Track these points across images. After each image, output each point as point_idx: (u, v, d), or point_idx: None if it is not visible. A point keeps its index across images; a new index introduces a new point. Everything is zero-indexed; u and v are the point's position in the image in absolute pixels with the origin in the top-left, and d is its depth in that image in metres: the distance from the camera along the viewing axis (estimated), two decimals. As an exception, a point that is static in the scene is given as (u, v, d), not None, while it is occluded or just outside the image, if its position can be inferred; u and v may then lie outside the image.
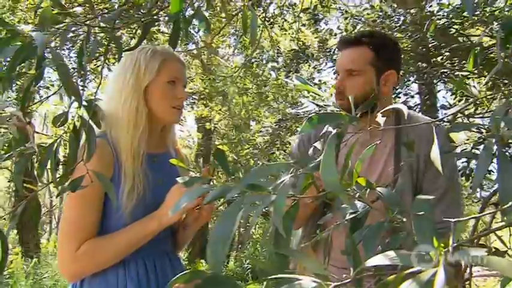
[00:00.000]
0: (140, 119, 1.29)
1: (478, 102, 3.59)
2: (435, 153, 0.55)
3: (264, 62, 7.97)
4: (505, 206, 0.53)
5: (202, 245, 9.58)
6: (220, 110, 8.77)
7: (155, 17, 1.19)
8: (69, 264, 1.24)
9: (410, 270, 0.39)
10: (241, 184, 0.64)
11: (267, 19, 6.36)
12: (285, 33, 7.03)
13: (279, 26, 6.90)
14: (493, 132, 0.74)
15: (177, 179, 0.72)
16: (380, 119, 0.63)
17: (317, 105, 0.66)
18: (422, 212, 0.54)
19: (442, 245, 0.41)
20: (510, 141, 0.78)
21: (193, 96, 8.79)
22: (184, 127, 11.11)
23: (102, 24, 1.24)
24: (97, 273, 1.26)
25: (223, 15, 6.59)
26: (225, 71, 8.94)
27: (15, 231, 8.38)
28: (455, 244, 0.57)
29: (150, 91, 1.32)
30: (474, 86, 0.69)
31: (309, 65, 5.64)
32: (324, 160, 0.57)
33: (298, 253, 0.60)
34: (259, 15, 6.17)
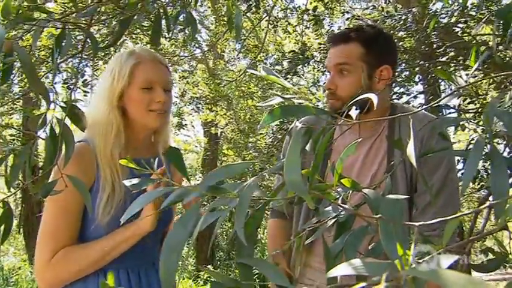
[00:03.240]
0: (110, 128, 1.24)
1: (485, 102, 3.50)
2: (410, 150, 0.49)
3: (269, 65, 7.92)
4: (486, 205, 0.47)
5: (210, 251, 9.51)
6: (225, 114, 8.72)
7: (133, 13, 1.14)
8: (43, 272, 1.18)
9: (359, 286, 0.33)
10: (201, 187, 0.58)
11: (270, 22, 6.31)
12: (289, 36, 6.98)
13: (282, 29, 6.85)
14: (486, 127, 0.67)
15: (124, 181, 0.66)
16: (353, 112, 0.57)
17: (283, 97, 0.60)
18: (393, 215, 0.47)
19: (408, 253, 0.34)
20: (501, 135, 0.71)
21: (199, 101, 8.76)
22: (190, 132, 11.09)
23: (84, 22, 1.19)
24: (76, 282, 1.20)
25: (226, 18, 6.55)
26: (230, 75, 8.90)
27: (22, 237, 8.40)
28: (438, 251, 0.50)
29: (125, 98, 1.27)
30: (460, 76, 0.62)
31: (314, 67, 5.57)
32: (287, 158, 0.50)
33: (262, 262, 0.54)
34: (263, 19, 6.13)
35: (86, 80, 5.89)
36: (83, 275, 1.20)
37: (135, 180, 0.62)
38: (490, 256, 0.87)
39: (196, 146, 12.31)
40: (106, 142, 1.23)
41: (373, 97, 0.55)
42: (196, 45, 8.13)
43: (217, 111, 8.61)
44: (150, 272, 1.31)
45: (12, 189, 1.11)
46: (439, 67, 3.20)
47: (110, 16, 1.26)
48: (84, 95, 5.73)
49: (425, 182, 1.15)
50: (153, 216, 1.15)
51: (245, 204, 0.54)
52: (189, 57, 8.05)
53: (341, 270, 0.43)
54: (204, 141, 11.00)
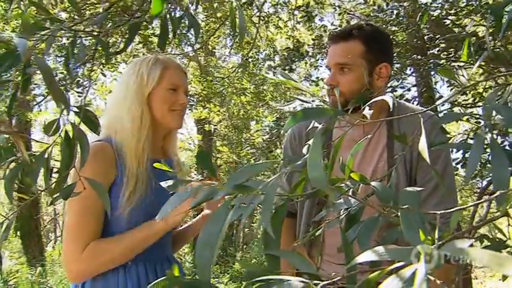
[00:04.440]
0: (144, 125, 1.33)
1: (476, 92, 3.57)
2: (422, 145, 0.54)
3: (261, 61, 7.95)
4: (495, 195, 0.52)
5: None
6: (219, 111, 8.75)
7: (142, 19, 1.18)
8: (74, 264, 1.25)
9: (394, 266, 0.38)
10: (227, 186, 0.62)
11: (261, 18, 6.34)
12: (280, 32, 7.01)
13: (273, 25, 6.88)
14: (485, 121, 0.73)
15: (161, 183, 0.71)
16: (367, 112, 0.62)
17: (302, 100, 0.65)
18: (410, 205, 0.53)
19: (430, 238, 0.39)
20: (504, 129, 0.77)
21: (192, 98, 8.78)
22: (184, 129, 11.11)
23: (90, 28, 1.23)
24: (97, 276, 1.27)
25: (218, 15, 6.57)
26: (222, 71, 8.92)
27: (19, 240, 8.39)
28: (447, 238, 0.56)
29: (153, 98, 1.37)
30: (462, 75, 0.68)
31: (306, 63, 5.62)
32: (310, 156, 0.55)
33: (289, 253, 0.59)
34: (254, 15, 6.16)
35: (79, 80, 5.89)
36: (111, 267, 1.27)
37: (170, 182, 0.67)
38: (485, 243, 0.93)
39: (190, 144, 12.33)
40: (138, 140, 1.32)
41: (388, 99, 0.60)
42: (188, 42, 8.13)
43: (210, 109, 8.64)
44: (164, 265, 1.38)
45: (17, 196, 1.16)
46: (431, 60, 3.26)
47: (115, 24, 1.29)
48: (79, 96, 5.74)
49: (435, 171, 1.22)
50: (181, 216, 1.23)
51: (270, 200, 0.59)
52: (181, 55, 8.05)
53: (366, 256, 0.47)
54: (198, 138, 11.02)
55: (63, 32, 1.08)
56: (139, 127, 1.33)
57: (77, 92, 5.79)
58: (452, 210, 0.54)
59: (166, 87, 1.37)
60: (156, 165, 0.72)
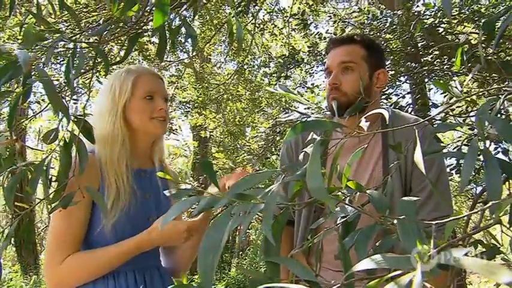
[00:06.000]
0: (117, 138, 1.33)
1: (469, 100, 3.61)
2: (418, 155, 0.55)
3: (256, 67, 8.00)
4: (489, 204, 0.54)
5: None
6: (214, 117, 8.77)
7: (141, 30, 1.19)
8: (52, 276, 1.26)
9: (393, 274, 0.39)
10: (229, 194, 0.64)
11: (257, 25, 6.38)
12: (276, 39, 7.06)
13: (269, 32, 6.93)
14: (479, 131, 0.75)
15: (165, 192, 0.72)
16: (363, 123, 0.64)
17: (300, 113, 0.67)
18: (407, 214, 0.54)
19: (426, 247, 0.41)
20: (496, 139, 0.79)
21: (187, 105, 8.79)
22: (179, 136, 11.10)
23: (89, 39, 1.24)
24: (87, 284, 1.27)
25: (214, 22, 6.61)
26: (218, 78, 8.95)
27: (13, 248, 8.33)
28: (441, 246, 0.57)
29: (129, 109, 1.36)
30: (456, 87, 0.70)
31: (301, 69, 5.65)
32: (309, 167, 0.57)
33: (289, 260, 0.60)
34: (249, 22, 6.20)
35: (74, 88, 5.87)
36: (90, 280, 1.28)
37: (174, 191, 0.68)
38: (479, 248, 0.95)
39: (185, 150, 12.32)
40: (113, 151, 1.32)
41: (385, 113, 0.61)
42: (183, 50, 8.16)
43: (206, 115, 8.66)
44: (154, 274, 1.39)
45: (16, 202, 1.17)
46: (425, 67, 3.30)
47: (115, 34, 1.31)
48: (74, 103, 5.74)
49: (429, 179, 1.24)
50: (168, 233, 1.24)
51: (271, 209, 0.61)
52: (177, 62, 8.07)
53: (364, 264, 0.49)
54: (194, 144, 11.03)
55: (63, 43, 1.10)
56: (112, 141, 1.33)
57: (72, 99, 5.78)
58: (447, 220, 0.55)
59: (142, 95, 1.37)
60: (160, 174, 0.74)
